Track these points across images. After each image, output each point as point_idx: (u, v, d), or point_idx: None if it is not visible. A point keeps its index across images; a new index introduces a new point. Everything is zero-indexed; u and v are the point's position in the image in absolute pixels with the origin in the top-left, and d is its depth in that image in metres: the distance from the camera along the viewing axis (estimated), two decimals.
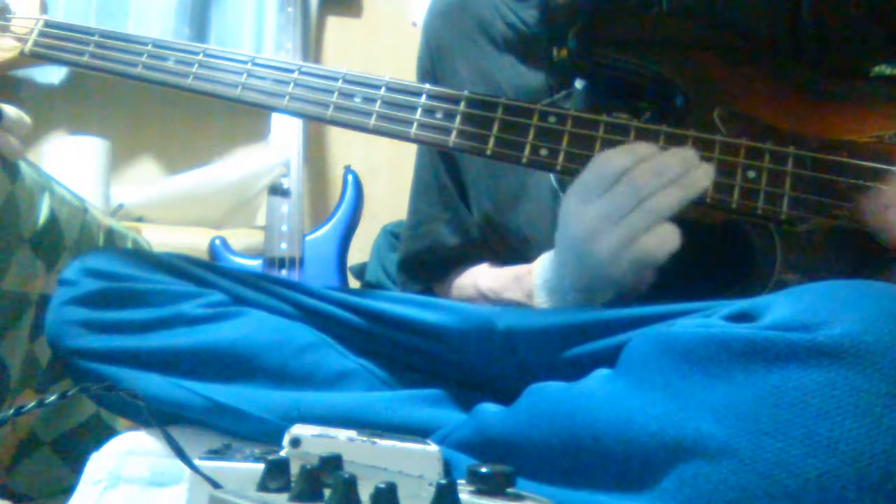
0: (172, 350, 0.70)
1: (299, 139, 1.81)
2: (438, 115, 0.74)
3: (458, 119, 0.73)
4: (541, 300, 0.75)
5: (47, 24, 0.84)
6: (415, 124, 0.74)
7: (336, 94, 0.76)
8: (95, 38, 0.82)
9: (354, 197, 1.77)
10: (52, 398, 0.47)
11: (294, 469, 0.39)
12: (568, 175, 0.70)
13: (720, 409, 0.46)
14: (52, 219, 0.90)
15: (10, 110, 0.81)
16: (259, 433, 0.67)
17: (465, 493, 0.39)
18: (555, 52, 0.79)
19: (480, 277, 0.90)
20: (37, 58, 0.84)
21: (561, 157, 0.70)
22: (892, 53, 0.73)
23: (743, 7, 0.76)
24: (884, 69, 0.73)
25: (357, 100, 0.75)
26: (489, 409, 0.61)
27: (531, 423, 0.56)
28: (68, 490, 0.67)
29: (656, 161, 0.66)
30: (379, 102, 0.74)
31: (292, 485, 0.39)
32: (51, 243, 0.90)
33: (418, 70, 0.99)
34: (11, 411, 0.48)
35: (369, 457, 0.52)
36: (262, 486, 0.40)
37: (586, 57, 0.75)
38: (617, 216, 0.64)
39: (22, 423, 0.91)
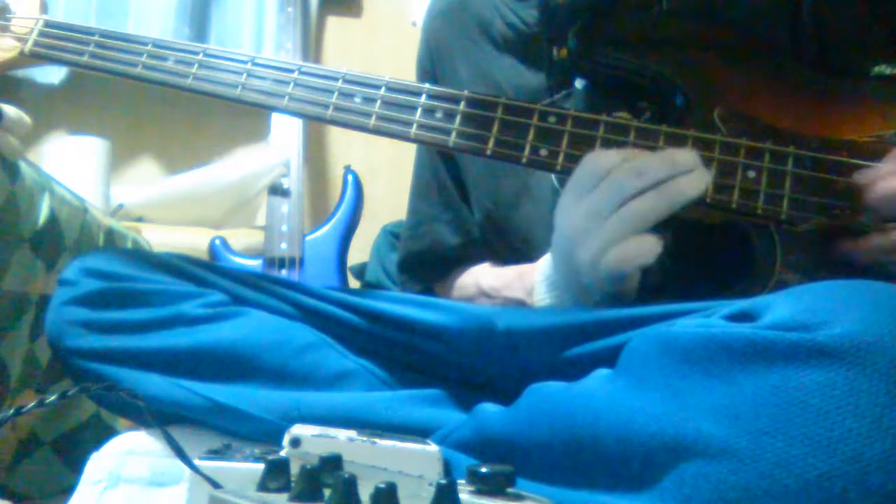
0: (172, 350, 0.70)
1: (299, 139, 1.81)
2: (438, 115, 0.74)
3: (457, 119, 0.73)
4: (540, 298, 0.75)
5: (47, 24, 0.84)
6: (415, 124, 0.74)
7: (336, 94, 0.76)
8: (95, 38, 0.82)
9: (354, 197, 1.77)
10: (52, 398, 0.47)
11: (294, 469, 0.39)
12: (568, 175, 0.70)
13: (720, 408, 0.46)
14: (52, 219, 0.90)
15: (10, 110, 0.81)
16: (259, 433, 0.67)
17: (465, 493, 0.39)
18: (555, 51, 0.79)
19: (482, 276, 0.90)
20: (37, 58, 0.84)
21: (561, 158, 0.70)
22: (892, 53, 0.73)
23: (743, 7, 0.76)
24: (884, 69, 0.73)
25: (357, 100, 0.75)
26: (489, 409, 0.61)
27: (531, 423, 0.56)
28: (68, 490, 0.67)
29: (638, 161, 0.65)
30: (379, 102, 0.74)
31: (292, 485, 0.39)
32: (51, 243, 0.90)
33: (418, 70, 0.99)
34: (11, 411, 0.48)
35: (369, 457, 0.52)
36: (262, 486, 0.40)
37: (586, 56, 0.75)
38: (602, 215, 0.64)
39: (22, 423, 0.91)
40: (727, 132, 0.69)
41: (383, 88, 0.75)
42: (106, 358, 0.70)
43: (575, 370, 0.58)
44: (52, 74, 1.91)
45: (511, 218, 0.87)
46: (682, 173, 0.64)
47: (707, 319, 0.53)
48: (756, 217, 0.67)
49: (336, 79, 0.76)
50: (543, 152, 0.71)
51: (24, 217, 0.85)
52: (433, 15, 0.97)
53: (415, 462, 0.55)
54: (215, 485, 0.44)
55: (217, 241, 1.68)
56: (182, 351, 0.70)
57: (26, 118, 0.83)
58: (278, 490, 0.39)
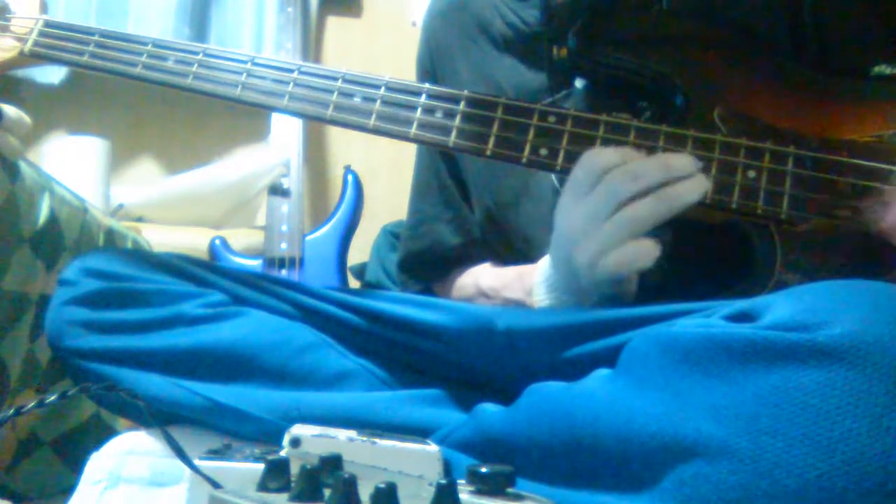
0: (172, 350, 0.70)
1: (299, 139, 1.81)
2: (438, 115, 0.74)
3: (457, 118, 0.73)
4: (539, 298, 0.75)
5: (47, 24, 0.84)
6: (415, 124, 0.74)
7: (336, 93, 0.76)
8: (95, 38, 0.82)
9: (354, 197, 1.77)
10: (52, 398, 0.47)
11: (294, 469, 0.39)
12: (567, 175, 0.70)
13: (720, 409, 0.46)
14: (52, 219, 0.90)
15: (10, 110, 0.81)
16: (259, 433, 0.67)
17: (465, 493, 0.39)
18: (555, 51, 0.78)
19: (481, 276, 0.90)
20: (37, 58, 0.84)
21: (561, 157, 0.70)
22: (892, 53, 0.73)
23: (743, 6, 0.76)
24: (884, 69, 0.73)
25: (357, 99, 0.75)
26: (489, 409, 0.61)
27: (531, 423, 0.56)
28: (68, 490, 0.67)
29: (634, 164, 0.65)
30: (379, 102, 0.74)
31: (292, 485, 0.39)
32: (51, 243, 0.90)
33: (418, 70, 0.99)
34: (11, 411, 0.48)
35: (369, 457, 0.52)
36: (262, 486, 0.40)
37: (586, 56, 0.75)
38: (600, 218, 0.64)
39: (22, 423, 0.91)
40: (727, 132, 0.69)
41: (383, 88, 0.75)
42: (106, 358, 0.70)
43: (575, 370, 0.58)
44: (52, 74, 1.91)
45: (511, 218, 0.87)
46: (678, 178, 0.64)
47: (707, 319, 0.53)
48: (756, 217, 0.67)
49: (336, 78, 0.76)
50: (543, 152, 0.71)
51: (24, 217, 0.85)
52: (433, 15, 0.97)
53: (415, 462, 0.55)
54: (215, 485, 0.44)
55: (217, 241, 1.68)
56: (182, 351, 0.70)
57: (26, 118, 0.83)
58: (278, 490, 0.39)
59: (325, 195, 2.03)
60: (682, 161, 0.65)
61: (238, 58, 0.79)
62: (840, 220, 0.66)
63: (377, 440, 0.56)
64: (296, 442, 0.55)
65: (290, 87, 0.76)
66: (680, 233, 0.66)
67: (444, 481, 0.37)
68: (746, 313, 0.50)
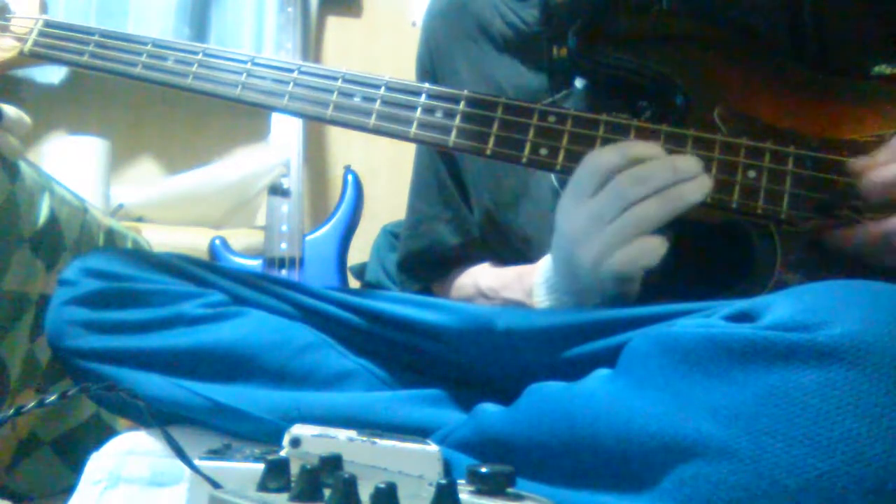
0: (172, 350, 0.70)
1: (299, 139, 1.81)
2: (438, 115, 0.74)
3: (457, 118, 0.73)
4: (539, 299, 0.75)
5: (47, 24, 0.84)
6: (414, 124, 0.74)
7: (336, 93, 0.76)
8: (95, 37, 0.82)
9: (354, 197, 1.77)
10: (52, 398, 0.47)
11: (294, 469, 0.39)
12: (568, 175, 0.70)
13: (720, 409, 0.46)
14: (52, 219, 0.90)
15: (10, 110, 0.81)
16: (259, 433, 0.67)
17: (465, 493, 0.39)
18: (555, 51, 0.79)
19: (481, 276, 0.90)
20: (37, 58, 0.84)
21: (561, 157, 0.70)
22: (892, 53, 0.73)
23: (743, 6, 0.76)
24: (884, 69, 0.73)
25: (357, 99, 0.75)
26: (489, 409, 0.61)
27: (531, 423, 0.56)
28: (68, 490, 0.67)
29: (642, 168, 0.65)
30: (379, 102, 0.74)
31: (292, 485, 0.39)
32: (51, 243, 0.90)
33: (418, 70, 0.99)
34: (11, 411, 0.48)
35: (369, 457, 0.52)
36: (262, 486, 0.40)
37: (586, 56, 0.75)
38: (605, 219, 0.64)
39: (22, 423, 0.91)
40: (727, 132, 0.69)
41: (383, 88, 0.75)
42: (106, 358, 0.70)
43: (575, 370, 0.58)
44: (52, 74, 1.91)
45: (510, 218, 0.87)
46: (684, 179, 0.65)
47: (707, 319, 0.53)
48: (756, 217, 0.67)
49: (336, 78, 0.76)
50: (543, 152, 0.71)
51: (24, 217, 0.85)
52: (433, 15, 0.97)
53: (415, 462, 0.55)
54: (215, 485, 0.44)
55: (217, 241, 1.68)
56: (182, 351, 0.70)
57: (26, 118, 0.83)
58: (278, 490, 0.39)
59: (325, 195, 2.03)
60: (689, 163, 0.66)
61: (238, 58, 0.79)
62: (840, 220, 0.66)
63: (377, 440, 0.56)
64: (296, 442, 0.55)
65: (290, 87, 0.76)
66: (680, 233, 0.66)
67: (444, 481, 0.37)
68: (746, 313, 0.50)
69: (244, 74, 0.78)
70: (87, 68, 0.82)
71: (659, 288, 0.67)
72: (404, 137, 0.74)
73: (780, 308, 0.47)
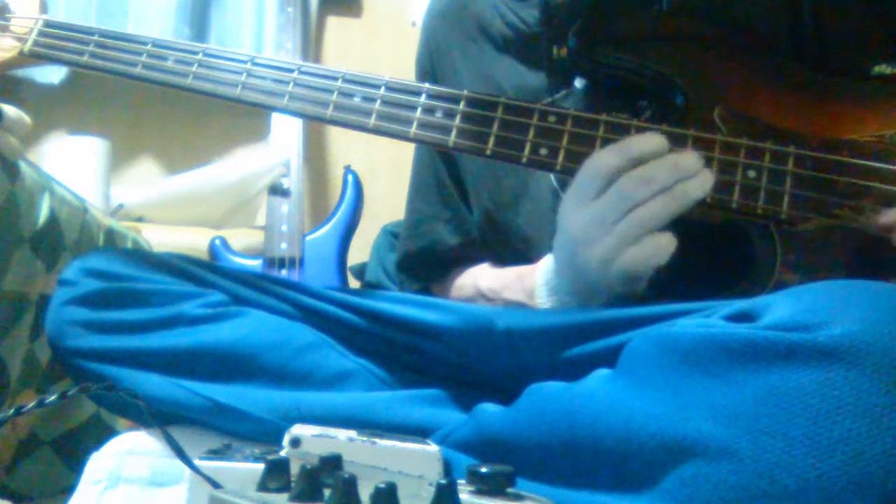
0: (173, 350, 0.70)
1: (299, 139, 1.81)
2: (438, 115, 0.74)
3: (457, 118, 0.73)
4: (541, 300, 0.75)
5: (47, 24, 0.84)
6: (414, 124, 0.74)
7: (336, 93, 0.75)
8: (95, 37, 0.82)
9: (354, 197, 1.77)
10: (52, 398, 0.47)
11: (294, 469, 0.39)
12: (568, 175, 0.70)
13: (720, 409, 0.46)
14: (52, 219, 0.90)
15: (10, 110, 0.81)
16: (259, 433, 0.67)
17: (465, 493, 0.39)
18: (555, 51, 0.79)
19: (480, 277, 0.90)
20: (36, 58, 0.84)
21: (561, 157, 0.70)
22: (892, 53, 0.73)
23: (743, 6, 0.76)
24: (884, 69, 0.73)
25: (357, 99, 0.75)
26: (489, 409, 0.61)
27: (531, 423, 0.56)
28: (68, 490, 0.67)
29: (644, 169, 0.65)
30: (379, 102, 0.74)
31: (292, 485, 0.39)
32: (51, 243, 0.90)
33: (418, 70, 0.99)
34: (11, 411, 0.48)
35: (369, 457, 0.52)
36: (262, 486, 0.40)
37: (586, 56, 0.75)
38: (609, 221, 0.64)
39: (22, 423, 0.91)
40: (727, 132, 0.69)
41: (383, 88, 0.75)
42: (106, 358, 0.70)
43: (575, 370, 0.58)
44: (52, 74, 1.91)
45: (510, 218, 0.87)
46: (687, 177, 0.65)
47: (707, 319, 0.53)
48: (756, 217, 0.67)
49: (336, 78, 0.76)
50: (543, 152, 0.71)
51: (24, 217, 0.85)
52: (433, 15, 0.97)
53: (415, 462, 0.55)
54: (215, 485, 0.44)
55: (217, 241, 1.68)
56: (182, 351, 0.70)
57: (26, 118, 0.83)
58: (278, 490, 0.39)
59: (325, 195, 2.03)
60: (690, 159, 0.66)
61: (238, 58, 0.79)
62: (840, 220, 0.66)
63: (377, 440, 0.56)
64: (296, 442, 0.55)
65: (290, 87, 0.76)
66: (680, 233, 0.66)
67: (444, 481, 0.37)
68: (746, 313, 0.50)
69: (244, 74, 0.78)
70: (87, 68, 0.82)
71: (659, 288, 0.67)
72: (404, 137, 0.74)
73: (780, 308, 0.47)
